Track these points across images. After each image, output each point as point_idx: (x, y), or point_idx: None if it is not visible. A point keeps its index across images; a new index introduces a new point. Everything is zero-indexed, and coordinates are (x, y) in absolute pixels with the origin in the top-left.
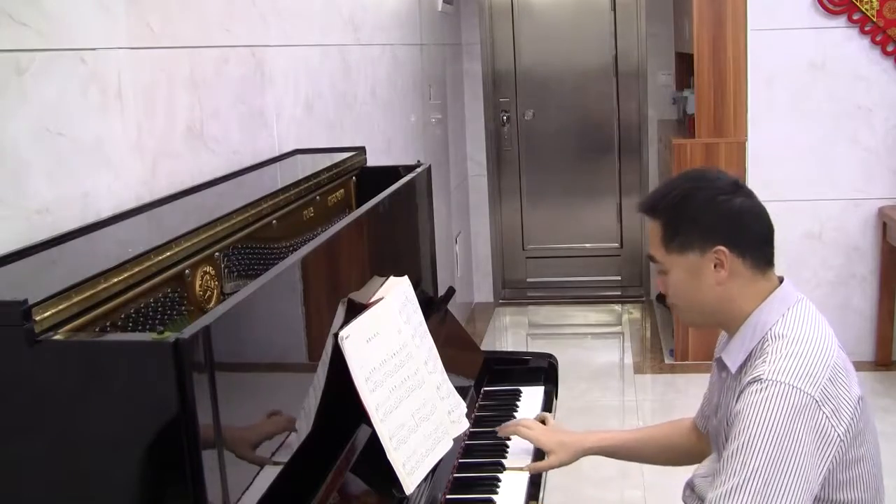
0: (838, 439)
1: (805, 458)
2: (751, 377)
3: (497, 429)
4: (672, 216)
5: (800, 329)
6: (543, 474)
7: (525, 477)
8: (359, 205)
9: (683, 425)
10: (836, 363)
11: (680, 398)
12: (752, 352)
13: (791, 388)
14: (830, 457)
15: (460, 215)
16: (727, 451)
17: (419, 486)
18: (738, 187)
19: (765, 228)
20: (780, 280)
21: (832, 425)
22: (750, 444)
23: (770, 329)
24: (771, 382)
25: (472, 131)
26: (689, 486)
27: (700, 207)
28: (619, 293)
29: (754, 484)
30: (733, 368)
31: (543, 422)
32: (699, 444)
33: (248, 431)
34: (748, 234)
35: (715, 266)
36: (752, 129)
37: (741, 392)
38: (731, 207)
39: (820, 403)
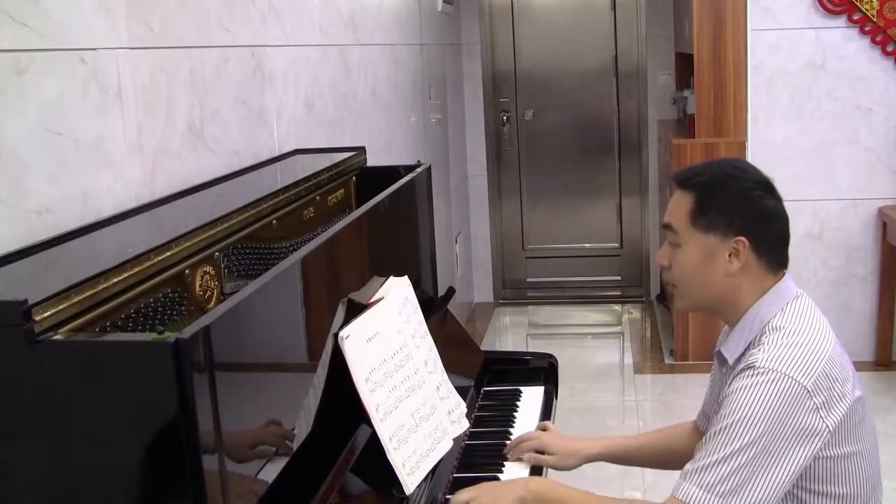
0: (827, 432)
1: (789, 446)
2: (745, 364)
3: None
4: (707, 193)
5: (798, 322)
6: (544, 473)
7: (525, 476)
8: (359, 205)
9: (685, 429)
10: (832, 358)
11: (680, 398)
12: (750, 344)
13: (784, 376)
14: (816, 448)
15: (460, 215)
16: (712, 429)
17: (419, 486)
18: (772, 189)
19: (786, 233)
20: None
21: (821, 416)
22: (737, 424)
23: (769, 322)
24: (764, 370)
25: (472, 131)
26: None
27: (736, 194)
28: (619, 293)
29: (734, 463)
30: (731, 360)
31: (545, 430)
32: None
33: (248, 434)
34: (771, 235)
35: (730, 255)
36: (752, 129)
37: (734, 378)
38: (764, 205)
39: (811, 394)
